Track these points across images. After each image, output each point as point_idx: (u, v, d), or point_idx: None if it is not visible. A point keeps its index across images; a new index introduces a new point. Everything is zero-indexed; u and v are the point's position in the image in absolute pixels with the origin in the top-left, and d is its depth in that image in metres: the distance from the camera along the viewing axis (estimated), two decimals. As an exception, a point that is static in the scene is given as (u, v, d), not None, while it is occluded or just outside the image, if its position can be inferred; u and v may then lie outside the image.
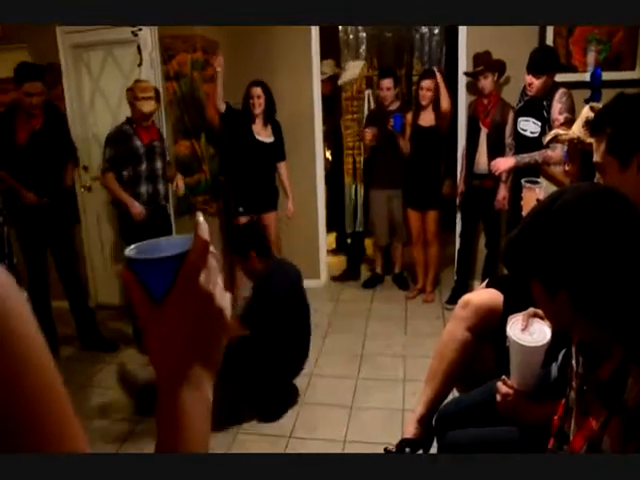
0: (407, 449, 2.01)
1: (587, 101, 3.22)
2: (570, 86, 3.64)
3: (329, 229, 5.41)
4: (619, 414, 0.99)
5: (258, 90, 4.08)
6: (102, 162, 3.76)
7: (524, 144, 3.48)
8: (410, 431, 2.06)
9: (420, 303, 4.55)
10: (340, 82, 4.87)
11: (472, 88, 4.19)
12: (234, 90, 4.43)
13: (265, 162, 4.27)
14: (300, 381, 3.44)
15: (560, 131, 1.98)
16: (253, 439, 2.98)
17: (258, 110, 4.12)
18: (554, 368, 1.60)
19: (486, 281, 2.19)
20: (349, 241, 5.41)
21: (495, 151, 3.91)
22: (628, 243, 1.02)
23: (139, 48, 4.13)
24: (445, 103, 4.07)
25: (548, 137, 1.99)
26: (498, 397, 1.58)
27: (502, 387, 1.58)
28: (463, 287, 4.42)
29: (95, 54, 4.38)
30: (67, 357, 3.95)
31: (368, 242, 5.30)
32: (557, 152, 3.14)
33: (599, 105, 1.85)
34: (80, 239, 4.56)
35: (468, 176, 4.15)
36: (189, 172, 4.46)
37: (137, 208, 3.64)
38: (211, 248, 0.60)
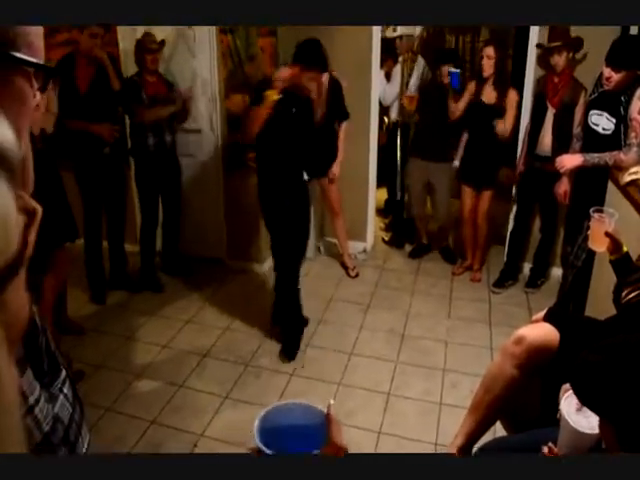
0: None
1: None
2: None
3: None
4: None
5: None
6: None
7: (594, 141, 3.22)
8: (449, 460, 2.06)
9: (466, 281, 4.46)
10: (386, 34, 4.55)
11: (542, 62, 3.90)
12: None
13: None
14: (340, 358, 3.48)
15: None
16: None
17: None
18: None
19: (544, 312, 2.10)
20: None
21: (560, 134, 3.67)
22: None
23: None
24: (508, 124, 3.92)
25: (626, 179, 1.84)
26: (544, 466, 1.54)
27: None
28: (513, 270, 4.32)
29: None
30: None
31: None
32: (630, 156, 2.92)
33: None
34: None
35: (529, 157, 3.93)
36: (240, 127, 4.37)
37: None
38: None
